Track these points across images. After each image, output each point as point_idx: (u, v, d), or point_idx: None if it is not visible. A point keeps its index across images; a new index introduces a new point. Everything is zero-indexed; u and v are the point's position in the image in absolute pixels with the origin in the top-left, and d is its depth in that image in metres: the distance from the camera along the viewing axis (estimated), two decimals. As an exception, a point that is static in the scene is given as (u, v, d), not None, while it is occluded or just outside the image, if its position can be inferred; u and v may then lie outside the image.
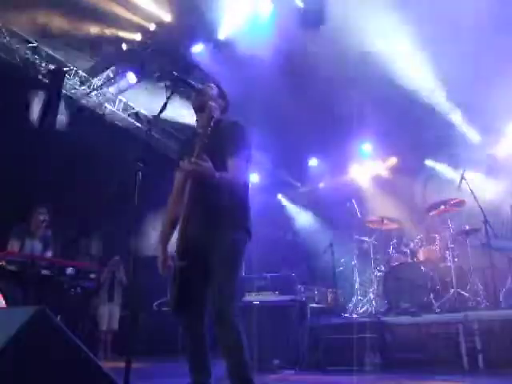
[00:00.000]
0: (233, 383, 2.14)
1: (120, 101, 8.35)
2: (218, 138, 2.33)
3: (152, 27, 6.65)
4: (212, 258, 2.26)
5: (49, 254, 5.12)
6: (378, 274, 5.86)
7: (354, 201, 6.68)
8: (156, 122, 8.04)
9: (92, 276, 4.93)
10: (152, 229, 5.73)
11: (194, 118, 2.63)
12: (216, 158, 2.22)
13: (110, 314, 6.95)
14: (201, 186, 2.25)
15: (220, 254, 2.26)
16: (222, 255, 2.26)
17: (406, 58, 6.12)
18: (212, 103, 2.45)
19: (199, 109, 2.55)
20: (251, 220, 2.44)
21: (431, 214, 5.88)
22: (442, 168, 7.88)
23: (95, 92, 7.91)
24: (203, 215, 2.29)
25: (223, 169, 2.29)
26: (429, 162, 8.12)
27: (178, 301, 2.28)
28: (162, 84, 6.59)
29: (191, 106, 2.61)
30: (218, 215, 2.30)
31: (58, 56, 7.20)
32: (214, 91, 2.63)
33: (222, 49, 6.58)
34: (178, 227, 2.38)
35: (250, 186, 2.50)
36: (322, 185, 9.46)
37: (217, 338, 2.18)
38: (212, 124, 2.25)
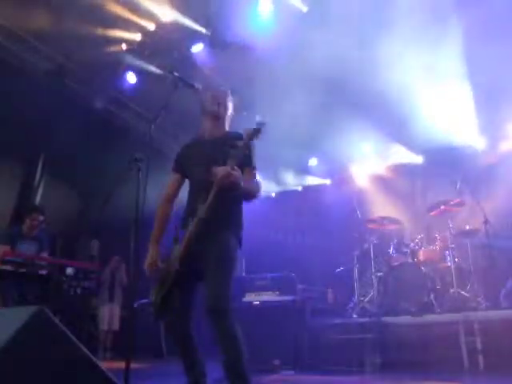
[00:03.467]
0: (227, 376, 2.15)
1: (120, 100, 8.34)
2: (228, 148, 2.29)
3: (152, 27, 6.65)
4: (207, 259, 2.28)
5: (45, 254, 5.07)
6: (379, 274, 5.85)
7: (354, 201, 6.67)
8: (156, 121, 8.05)
9: (92, 276, 4.93)
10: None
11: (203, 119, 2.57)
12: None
13: (110, 314, 6.94)
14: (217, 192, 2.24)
15: (216, 255, 2.27)
16: (218, 255, 2.28)
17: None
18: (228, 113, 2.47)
19: (211, 114, 2.51)
20: (242, 228, 2.46)
21: (431, 214, 5.88)
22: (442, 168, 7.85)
23: (95, 92, 7.90)
24: (207, 220, 2.28)
25: None
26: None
27: (167, 304, 2.30)
28: (162, 83, 6.59)
29: (201, 108, 2.55)
30: (219, 219, 2.30)
31: (57, 56, 7.19)
32: (230, 100, 2.59)
33: (222, 48, 6.56)
34: (178, 232, 2.39)
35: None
36: (321, 184, 9.43)
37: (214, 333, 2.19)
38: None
